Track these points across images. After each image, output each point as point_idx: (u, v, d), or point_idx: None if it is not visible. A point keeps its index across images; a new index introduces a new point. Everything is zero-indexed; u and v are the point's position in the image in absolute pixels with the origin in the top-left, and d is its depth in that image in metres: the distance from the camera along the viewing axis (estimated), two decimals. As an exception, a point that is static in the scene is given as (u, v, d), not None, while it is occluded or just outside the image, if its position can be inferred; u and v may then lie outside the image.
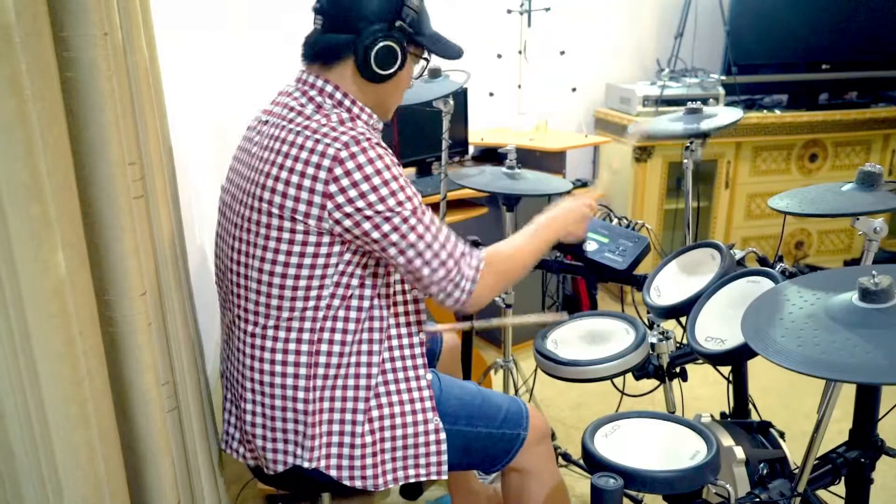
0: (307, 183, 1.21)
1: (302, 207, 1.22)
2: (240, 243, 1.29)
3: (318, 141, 1.22)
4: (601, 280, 3.22)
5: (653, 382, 1.67)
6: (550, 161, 3.00)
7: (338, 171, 1.20)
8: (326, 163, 1.20)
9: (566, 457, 2.08)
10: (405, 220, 1.24)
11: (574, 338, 1.62)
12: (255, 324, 1.31)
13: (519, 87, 3.23)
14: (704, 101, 3.22)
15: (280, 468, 1.34)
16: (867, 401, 1.36)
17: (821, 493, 1.41)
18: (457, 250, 1.30)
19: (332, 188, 1.20)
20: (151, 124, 1.24)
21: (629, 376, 1.56)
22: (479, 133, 3.16)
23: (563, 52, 3.30)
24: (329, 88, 1.31)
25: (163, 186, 1.29)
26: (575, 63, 3.43)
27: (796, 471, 1.33)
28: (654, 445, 1.27)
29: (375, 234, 1.23)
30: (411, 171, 2.82)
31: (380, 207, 1.22)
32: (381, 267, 1.33)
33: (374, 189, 1.21)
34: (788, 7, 3.34)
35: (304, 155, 1.22)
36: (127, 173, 1.15)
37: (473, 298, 1.31)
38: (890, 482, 2.13)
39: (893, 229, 3.31)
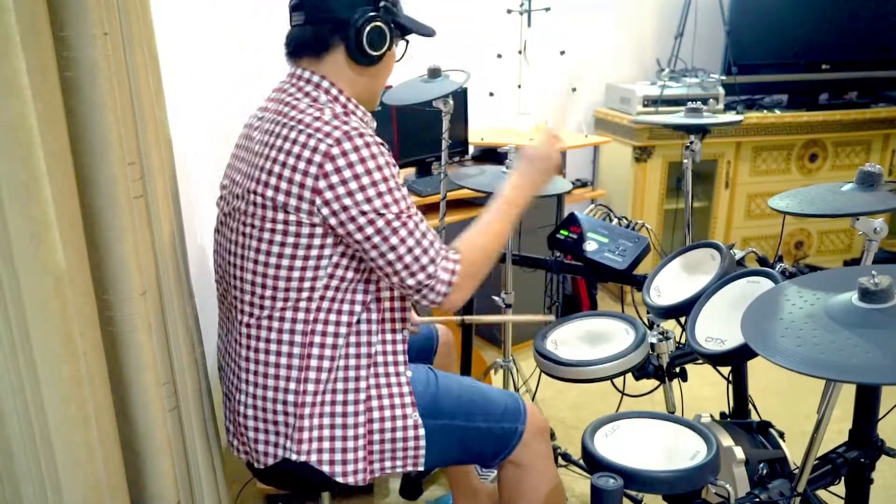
0: (298, 177, 1.22)
1: (293, 201, 1.23)
2: (236, 234, 1.32)
3: (310, 136, 1.23)
4: (601, 280, 3.22)
5: (653, 382, 1.67)
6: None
7: (328, 167, 1.21)
8: (317, 158, 1.21)
9: (566, 457, 2.08)
10: (388, 224, 1.24)
11: (574, 338, 1.62)
12: (251, 315, 1.32)
13: (519, 87, 3.23)
14: (704, 101, 3.22)
15: (270, 461, 1.35)
16: (867, 401, 1.36)
17: (821, 493, 1.41)
18: (438, 255, 1.29)
19: (322, 184, 1.21)
20: (151, 124, 1.24)
21: (629, 376, 1.56)
22: (479, 133, 3.16)
23: (563, 52, 3.30)
24: (325, 84, 1.33)
25: (163, 186, 1.29)
26: (575, 63, 3.42)
27: (796, 471, 1.33)
28: (654, 445, 1.27)
29: (358, 236, 1.24)
30: (411, 171, 2.82)
31: (365, 208, 1.22)
32: None
33: (363, 188, 1.22)
34: (788, 7, 3.34)
35: (295, 149, 1.23)
36: (127, 173, 1.15)
37: (449, 301, 1.31)
38: (890, 482, 2.13)
39: (893, 229, 3.31)
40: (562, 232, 1.95)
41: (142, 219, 1.22)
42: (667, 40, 3.46)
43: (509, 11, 3.11)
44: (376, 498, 2.14)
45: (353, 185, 1.21)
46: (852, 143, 3.47)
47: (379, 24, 1.29)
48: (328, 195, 1.21)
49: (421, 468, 1.39)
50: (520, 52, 3.18)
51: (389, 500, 2.14)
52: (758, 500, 1.28)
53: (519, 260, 2.09)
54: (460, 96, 2.81)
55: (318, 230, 1.25)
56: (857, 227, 1.26)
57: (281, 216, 1.24)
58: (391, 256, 1.26)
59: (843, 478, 1.37)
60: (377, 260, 1.27)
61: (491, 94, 3.24)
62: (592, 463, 1.21)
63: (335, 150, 1.21)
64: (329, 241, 1.26)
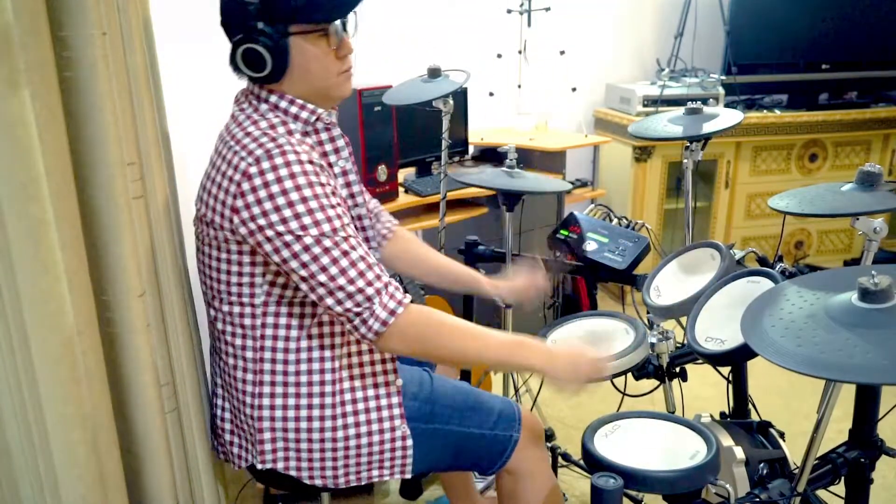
0: (221, 195, 1.19)
1: (217, 219, 1.21)
2: (196, 250, 1.33)
3: (235, 153, 1.19)
4: (601, 280, 3.22)
5: (653, 382, 1.67)
6: (550, 161, 3.00)
7: (245, 185, 1.16)
8: (237, 177, 1.17)
9: (566, 457, 2.07)
10: (306, 249, 1.16)
11: (574, 338, 1.62)
12: (215, 327, 1.34)
13: (519, 87, 3.23)
14: (704, 101, 3.22)
15: (243, 464, 1.37)
16: (867, 401, 1.36)
17: (821, 493, 1.41)
18: (369, 287, 1.18)
19: (239, 203, 1.17)
20: (151, 124, 1.24)
21: (629, 376, 1.56)
22: (479, 133, 3.16)
23: (563, 52, 3.30)
24: (263, 93, 1.26)
25: (162, 186, 1.29)
26: (575, 63, 3.43)
27: (796, 471, 1.32)
28: (654, 445, 1.27)
29: (276, 258, 1.18)
30: (411, 171, 2.82)
31: (280, 229, 1.15)
32: None
33: (277, 209, 1.15)
34: (788, 7, 3.33)
35: (223, 166, 1.20)
36: (126, 173, 1.15)
37: (381, 342, 1.21)
38: (890, 482, 2.13)
39: (893, 229, 3.31)
40: (562, 232, 1.95)
41: (141, 219, 1.22)
42: (667, 40, 3.45)
43: (509, 11, 3.11)
44: (376, 498, 2.14)
45: (268, 206, 1.15)
46: (852, 143, 3.47)
47: (248, 46, 1.18)
48: (244, 215, 1.17)
49: (408, 476, 1.37)
50: (520, 52, 3.18)
51: (389, 500, 2.13)
52: (758, 500, 1.28)
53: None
54: (460, 96, 2.81)
55: (246, 248, 1.22)
56: (857, 227, 1.26)
57: (211, 232, 1.24)
58: (312, 282, 1.17)
59: (843, 478, 1.37)
60: (301, 284, 1.20)
61: (491, 94, 3.24)
62: (592, 463, 1.21)
63: (253, 169, 1.16)
64: (258, 258, 1.23)
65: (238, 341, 1.30)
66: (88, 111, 1.08)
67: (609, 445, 1.26)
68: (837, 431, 1.40)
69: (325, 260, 1.16)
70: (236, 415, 1.35)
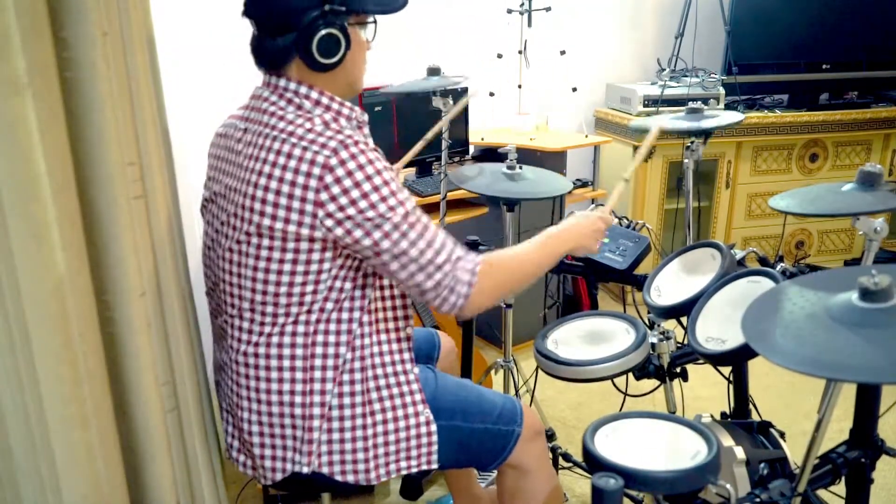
0: (298, 192, 1.19)
1: (294, 216, 1.20)
2: (231, 254, 1.29)
3: (305, 149, 1.19)
4: (602, 280, 3.22)
5: (653, 382, 1.67)
6: (551, 161, 2.99)
7: (328, 178, 1.18)
8: (316, 171, 1.18)
9: (566, 457, 2.07)
10: (396, 227, 1.21)
11: (575, 338, 1.62)
12: (251, 332, 1.30)
13: (519, 87, 3.23)
14: (705, 101, 3.22)
15: (279, 476, 1.34)
16: (867, 400, 1.36)
17: (821, 492, 1.40)
18: (453, 254, 1.26)
19: (323, 196, 1.18)
20: (151, 124, 1.24)
21: (630, 376, 1.56)
22: (480, 133, 3.16)
23: (563, 52, 3.30)
24: (303, 90, 1.27)
25: (162, 186, 1.29)
26: (575, 63, 3.42)
27: (796, 471, 1.32)
28: (654, 445, 1.27)
29: (367, 241, 1.21)
30: (411, 171, 2.82)
31: (370, 214, 1.19)
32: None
33: (365, 195, 1.19)
34: (788, 7, 3.33)
35: (292, 163, 1.19)
36: (126, 173, 1.15)
37: (470, 303, 1.27)
38: (890, 482, 2.13)
39: (894, 229, 3.31)
40: (562, 232, 1.94)
41: (141, 219, 1.22)
42: (667, 40, 3.45)
43: (509, 11, 3.11)
44: (376, 498, 2.14)
45: (356, 193, 1.18)
46: (852, 143, 3.47)
47: (328, 31, 1.22)
48: (331, 207, 1.18)
49: (435, 466, 1.39)
50: (520, 52, 3.18)
51: (389, 500, 2.13)
52: (758, 500, 1.28)
53: (519, 260, 2.08)
54: (461, 96, 2.81)
55: (317, 245, 1.22)
56: (858, 227, 1.27)
57: (279, 232, 1.21)
58: (404, 259, 1.23)
59: (843, 478, 1.37)
60: (389, 264, 1.23)
61: (491, 94, 3.24)
62: (593, 463, 1.21)
63: (333, 161, 1.18)
64: (328, 254, 1.24)
65: (287, 339, 1.29)
66: (89, 111, 1.08)
67: (610, 445, 1.26)
68: (838, 431, 1.40)
69: (412, 235, 1.23)
70: (274, 423, 1.32)
